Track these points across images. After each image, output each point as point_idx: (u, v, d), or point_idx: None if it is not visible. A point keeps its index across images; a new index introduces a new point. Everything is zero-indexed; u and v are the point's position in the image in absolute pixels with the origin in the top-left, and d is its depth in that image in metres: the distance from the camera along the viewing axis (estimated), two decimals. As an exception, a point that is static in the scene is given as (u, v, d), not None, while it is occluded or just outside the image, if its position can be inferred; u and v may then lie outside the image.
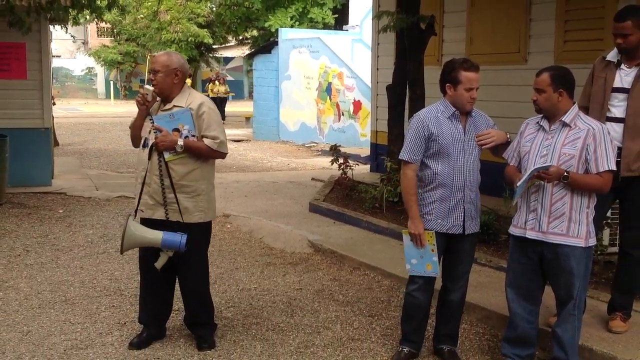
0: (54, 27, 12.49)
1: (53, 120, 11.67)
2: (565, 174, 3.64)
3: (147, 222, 4.21)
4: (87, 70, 41.15)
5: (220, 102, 24.58)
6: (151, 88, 4.18)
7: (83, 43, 41.67)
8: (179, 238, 4.07)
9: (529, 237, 3.78)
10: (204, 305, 4.44)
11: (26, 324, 4.70)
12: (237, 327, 4.71)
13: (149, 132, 4.19)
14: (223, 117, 24.22)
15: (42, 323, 4.73)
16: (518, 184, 3.73)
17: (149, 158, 4.16)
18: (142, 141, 4.24)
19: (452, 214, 3.96)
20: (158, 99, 4.25)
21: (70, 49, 40.83)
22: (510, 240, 3.99)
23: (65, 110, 28.53)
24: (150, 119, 4.19)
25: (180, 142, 4.09)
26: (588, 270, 3.82)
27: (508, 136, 3.98)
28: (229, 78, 28.62)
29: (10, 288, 5.47)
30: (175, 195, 4.15)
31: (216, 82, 25.47)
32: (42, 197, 9.16)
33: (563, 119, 3.74)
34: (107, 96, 39.34)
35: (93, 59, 37.90)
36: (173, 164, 4.14)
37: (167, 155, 4.13)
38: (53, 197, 9.19)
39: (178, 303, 4.97)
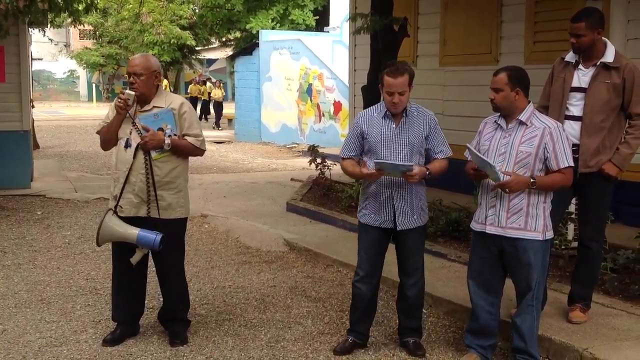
0: (33, 30, 12.53)
1: (33, 123, 11.71)
2: (532, 180, 3.78)
3: (129, 220, 4.28)
4: (69, 73, 41.03)
5: (217, 106, 24.33)
6: (132, 93, 4.26)
7: (65, 46, 41.51)
8: (154, 236, 4.19)
9: (489, 232, 3.92)
10: (183, 300, 4.57)
11: (2, 323, 4.76)
12: (210, 323, 4.81)
13: (130, 132, 4.28)
14: (218, 123, 23.94)
15: (17, 322, 4.80)
16: (481, 158, 3.84)
17: (134, 157, 4.25)
18: (124, 142, 4.31)
19: (383, 210, 4.13)
20: None
21: (52, 51, 40.65)
22: (472, 235, 4.12)
23: (47, 113, 28.45)
24: (131, 121, 4.27)
25: (168, 140, 4.25)
26: (546, 262, 3.97)
27: (427, 172, 4.06)
28: (212, 80, 28.62)
29: (-13, 288, 5.53)
30: (156, 193, 4.27)
31: (211, 84, 25.54)
32: (21, 199, 9.20)
33: (519, 118, 3.88)
34: (90, 99, 39.24)
35: (75, 62, 37.81)
36: (159, 162, 4.28)
37: (153, 154, 4.26)
38: (32, 199, 9.23)
39: (152, 301, 5.08)
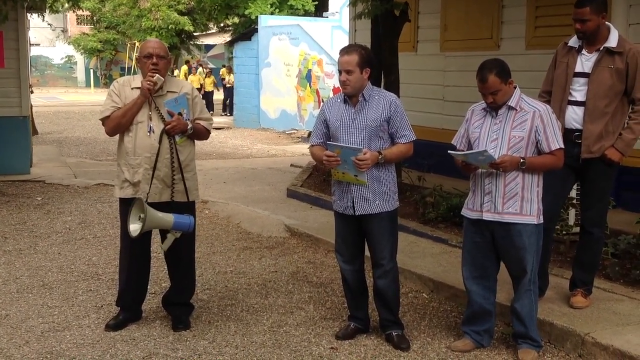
0: (31, 15, 12.46)
1: (32, 108, 11.67)
2: (522, 160, 3.79)
3: (153, 206, 4.22)
4: (66, 59, 40.84)
5: (228, 92, 23.84)
6: (162, 78, 4.22)
7: (63, 31, 41.32)
8: (188, 219, 4.23)
9: (486, 219, 3.93)
10: (193, 284, 4.62)
11: (4, 308, 4.77)
12: (212, 308, 4.82)
13: (149, 117, 4.23)
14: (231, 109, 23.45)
15: (20, 307, 4.80)
16: (467, 154, 3.87)
17: (160, 142, 4.22)
18: (145, 127, 4.24)
19: (345, 196, 4.11)
20: None
21: (49, 37, 40.49)
22: (464, 222, 4.12)
23: (45, 99, 28.37)
24: (155, 106, 4.23)
25: (190, 124, 4.29)
26: (539, 247, 3.98)
27: (380, 157, 3.98)
28: (211, 66, 28.52)
29: (-11, 274, 5.54)
30: (183, 176, 4.30)
31: (199, 71, 25.18)
32: (21, 185, 9.19)
33: (509, 103, 3.89)
34: (87, 84, 39.07)
35: (73, 47, 37.64)
36: (180, 147, 4.31)
37: (177, 139, 4.28)
38: (31, 185, 9.22)
39: (155, 286, 5.09)
